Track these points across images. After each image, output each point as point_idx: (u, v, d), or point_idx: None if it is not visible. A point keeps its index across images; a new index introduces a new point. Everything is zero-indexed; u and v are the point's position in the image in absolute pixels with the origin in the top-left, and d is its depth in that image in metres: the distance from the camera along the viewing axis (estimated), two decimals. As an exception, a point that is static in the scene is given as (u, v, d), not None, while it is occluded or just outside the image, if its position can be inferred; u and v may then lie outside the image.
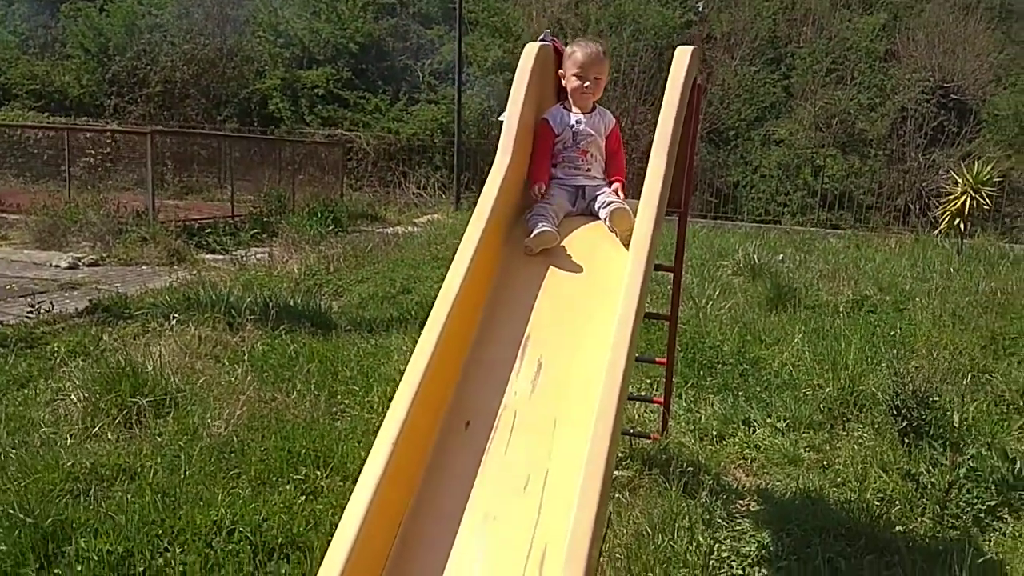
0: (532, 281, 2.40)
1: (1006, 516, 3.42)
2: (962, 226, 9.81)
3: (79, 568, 2.54)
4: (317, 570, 1.85)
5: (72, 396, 4.02)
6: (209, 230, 10.12)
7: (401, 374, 2.01)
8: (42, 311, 5.84)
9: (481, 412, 2.07)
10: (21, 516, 2.72)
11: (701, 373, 5.04)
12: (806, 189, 16.49)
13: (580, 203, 2.73)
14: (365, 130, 17.83)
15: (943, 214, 10.15)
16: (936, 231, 10.68)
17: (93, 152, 12.85)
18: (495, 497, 1.92)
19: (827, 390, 4.63)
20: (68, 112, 18.49)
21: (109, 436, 3.72)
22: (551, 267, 2.45)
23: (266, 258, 8.73)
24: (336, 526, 1.76)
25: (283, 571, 2.58)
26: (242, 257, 8.28)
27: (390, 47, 19.20)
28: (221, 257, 8.95)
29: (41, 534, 2.64)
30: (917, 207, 15.19)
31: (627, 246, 2.35)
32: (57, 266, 8.19)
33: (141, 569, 2.57)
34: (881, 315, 6.60)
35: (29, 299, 6.28)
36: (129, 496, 3.01)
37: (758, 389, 4.77)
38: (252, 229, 10.30)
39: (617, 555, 2.84)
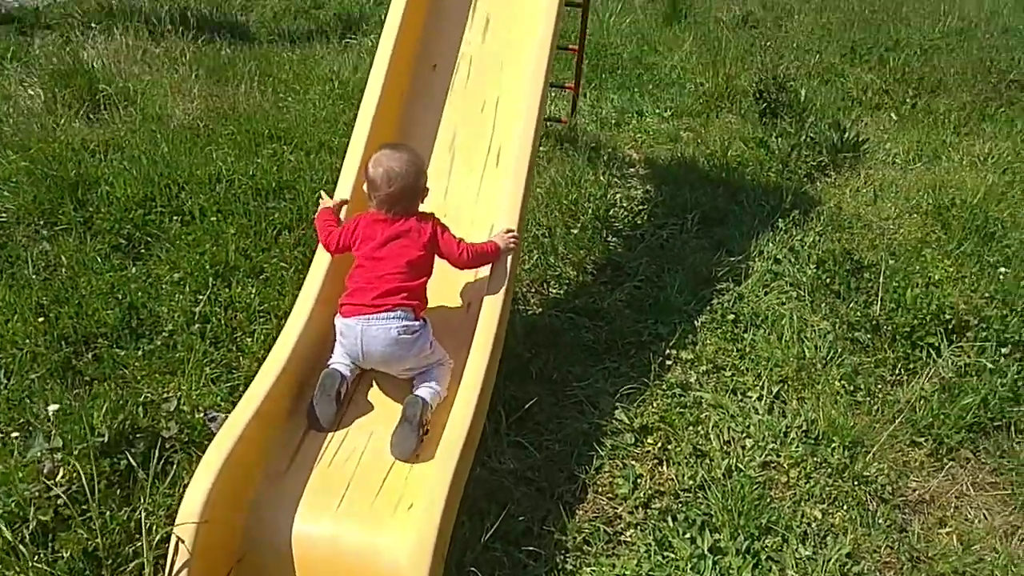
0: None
1: (831, 172, 4.44)
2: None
3: (110, 207, 3.13)
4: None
5: (30, 91, 4.30)
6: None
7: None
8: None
9: (444, 57, 2.68)
10: (44, 171, 3.22)
11: (603, 76, 5.70)
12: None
13: None
14: None
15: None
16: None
17: None
18: (460, 117, 2.60)
19: (707, 86, 5.42)
20: None
21: (75, 124, 4.11)
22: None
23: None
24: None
25: (282, 205, 3.26)
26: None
27: None
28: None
29: (68, 184, 3.18)
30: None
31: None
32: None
33: (161, 208, 3.18)
34: (762, 29, 7.32)
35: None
36: (127, 162, 3.53)
37: (651, 87, 5.51)
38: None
39: (539, 197, 3.66)
